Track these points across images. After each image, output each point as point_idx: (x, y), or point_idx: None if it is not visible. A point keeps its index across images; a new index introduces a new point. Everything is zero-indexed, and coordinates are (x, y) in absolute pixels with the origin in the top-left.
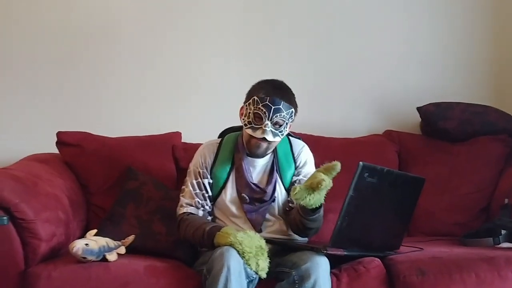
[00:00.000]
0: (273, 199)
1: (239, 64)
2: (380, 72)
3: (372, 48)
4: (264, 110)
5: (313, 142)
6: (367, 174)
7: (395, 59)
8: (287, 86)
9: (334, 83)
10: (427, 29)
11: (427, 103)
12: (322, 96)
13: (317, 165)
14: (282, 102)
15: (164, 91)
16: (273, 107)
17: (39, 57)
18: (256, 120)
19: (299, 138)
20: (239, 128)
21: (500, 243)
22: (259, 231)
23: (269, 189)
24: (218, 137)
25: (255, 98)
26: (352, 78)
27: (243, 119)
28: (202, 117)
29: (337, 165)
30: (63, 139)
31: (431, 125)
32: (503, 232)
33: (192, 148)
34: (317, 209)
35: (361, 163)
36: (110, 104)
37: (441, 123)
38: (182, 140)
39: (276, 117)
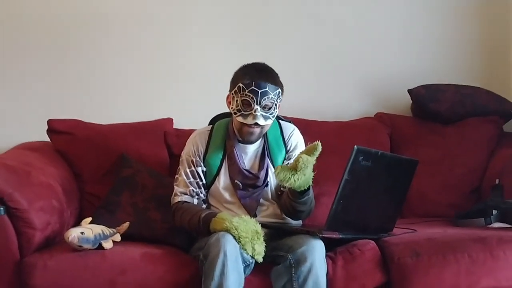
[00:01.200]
0: (266, 184)
1: (231, 48)
2: (372, 55)
3: (363, 31)
4: (251, 95)
5: (304, 126)
6: (362, 157)
7: (386, 42)
8: (270, 67)
9: (325, 66)
10: (417, 12)
11: (418, 85)
12: (313, 80)
13: None
14: (268, 84)
15: (155, 77)
16: (259, 91)
17: (29, 44)
18: (245, 107)
19: (289, 122)
20: (229, 114)
21: (491, 223)
22: (253, 216)
23: (262, 175)
24: (209, 124)
25: (240, 85)
26: (343, 61)
27: (231, 107)
28: (194, 103)
29: (318, 145)
30: (54, 127)
31: (422, 107)
32: (494, 212)
33: (185, 134)
34: (305, 191)
35: (356, 146)
36: (101, 91)
37: (432, 105)
38: (174, 126)
39: (264, 100)
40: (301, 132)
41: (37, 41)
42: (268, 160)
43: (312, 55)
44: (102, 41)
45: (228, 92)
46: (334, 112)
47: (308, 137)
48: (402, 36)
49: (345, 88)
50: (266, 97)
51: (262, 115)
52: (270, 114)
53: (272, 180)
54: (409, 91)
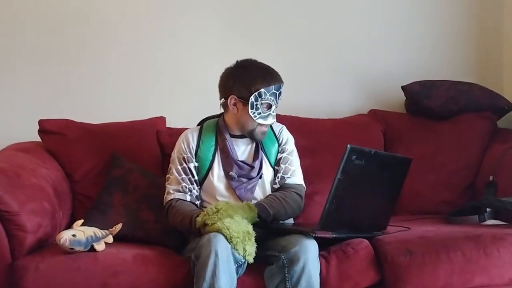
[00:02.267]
0: (260, 176)
1: (222, 47)
2: (365, 51)
3: (356, 28)
4: (272, 98)
5: (299, 124)
6: (355, 156)
7: (379, 39)
8: (268, 65)
9: (318, 64)
10: (411, 8)
11: (412, 81)
12: (306, 77)
13: (301, 147)
14: (281, 84)
15: (147, 76)
16: (277, 93)
17: (19, 44)
18: (265, 109)
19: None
20: (217, 116)
21: (485, 220)
22: None
23: (256, 165)
24: (197, 125)
25: (262, 90)
26: (336, 58)
27: (251, 112)
28: (186, 102)
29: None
30: (45, 127)
31: (416, 103)
32: (488, 209)
33: (177, 133)
34: (265, 219)
35: (349, 146)
36: (92, 91)
37: (426, 101)
38: (167, 125)
39: (279, 100)
40: (294, 131)
41: (27, 41)
42: (262, 153)
43: (305, 52)
44: (93, 40)
45: (232, 94)
46: (327, 109)
47: (302, 135)
48: (396, 33)
49: (338, 85)
50: (280, 97)
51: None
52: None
53: (266, 172)
54: (403, 87)
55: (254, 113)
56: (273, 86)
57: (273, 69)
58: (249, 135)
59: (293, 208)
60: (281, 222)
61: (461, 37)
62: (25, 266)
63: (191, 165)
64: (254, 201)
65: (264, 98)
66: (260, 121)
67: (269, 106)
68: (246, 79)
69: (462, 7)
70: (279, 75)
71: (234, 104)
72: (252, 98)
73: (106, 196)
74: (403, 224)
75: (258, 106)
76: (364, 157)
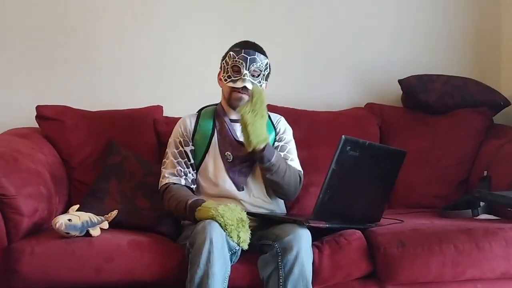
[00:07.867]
0: (255, 161)
1: (220, 37)
2: (363, 45)
3: (354, 22)
4: (241, 61)
5: (296, 115)
6: (349, 147)
7: (377, 33)
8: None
9: (316, 57)
10: (408, 3)
11: (409, 75)
12: (304, 70)
13: (297, 138)
14: (257, 52)
15: (144, 64)
16: (249, 57)
17: (17, 30)
18: (235, 73)
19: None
20: (215, 105)
21: (478, 215)
22: (241, 189)
23: None
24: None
25: (231, 53)
26: (334, 52)
27: (222, 76)
28: (184, 91)
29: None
30: (42, 113)
31: (412, 98)
32: (481, 204)
33: (174, 122)
34: (267, 156)
35: (343, 136)
36: (91, 78)
37: (422, 95)
38: (164, 114)
39: (252, 66)
40: (291, 122)
41: (26, 27)
42: None
43: (303, 45)
44: (90, 27)
45: (219, 70)
46: (324, 102)
47: (300, 126)
48: (394, 27)
49: (335, 78)
50: (254, 63)
51: (250, 80)
52: (258, 82)
53: None
54: (400, 81)
55: (224, 76)
56: (243, 50)
57: (255, 44)
58: (229, 104)
59: (291, 180)
60: (274, 214)
61: (459, 32)
62: (21, 249)
63: (188, 149)
64: (246, 185)
65: (233, 61)
66: (230, 84)
67: (238, 69)
68: (227, 51)
69: (461, 1)
70: (259, 47)
71: (220, 80)
72: (223, 62)
73: (102, 183)
74: (397, 217)
75: (228, 69)
76: (359, 148)
